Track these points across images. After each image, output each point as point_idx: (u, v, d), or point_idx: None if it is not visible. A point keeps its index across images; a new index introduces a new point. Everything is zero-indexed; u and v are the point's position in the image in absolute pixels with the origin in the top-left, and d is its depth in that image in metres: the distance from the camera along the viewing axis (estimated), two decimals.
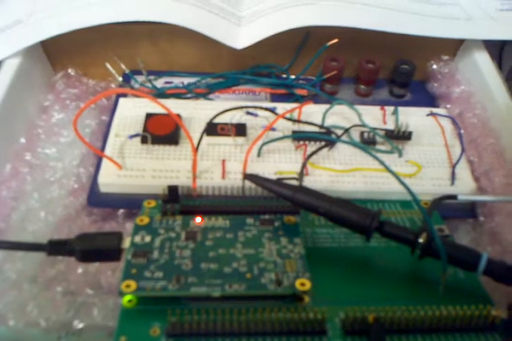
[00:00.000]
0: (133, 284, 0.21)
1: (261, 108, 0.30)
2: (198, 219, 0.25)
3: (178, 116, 0.31)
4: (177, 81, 0.38)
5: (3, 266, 0.25)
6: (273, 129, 0.30)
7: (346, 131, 0.31)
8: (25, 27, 0.35)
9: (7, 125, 0.31)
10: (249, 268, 0.22)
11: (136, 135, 0.30)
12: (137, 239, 0.24)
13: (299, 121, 0.31)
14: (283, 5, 0.35)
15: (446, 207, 0.28)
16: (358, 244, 0.25)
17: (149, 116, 0.31)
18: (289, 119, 0.31)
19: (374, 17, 0.34)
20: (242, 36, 0.35)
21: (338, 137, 0.30)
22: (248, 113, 0.31)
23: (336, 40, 0.34)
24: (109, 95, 0.35)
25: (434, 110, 0.33)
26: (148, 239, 0.24)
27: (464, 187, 0.29)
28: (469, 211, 0.29)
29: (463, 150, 0.30)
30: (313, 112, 0.32)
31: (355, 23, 0.33)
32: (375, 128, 0.31)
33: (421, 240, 0.22)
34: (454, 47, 0.36)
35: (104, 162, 0.29)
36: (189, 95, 0.36)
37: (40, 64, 0.37)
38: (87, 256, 0.24)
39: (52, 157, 0.32)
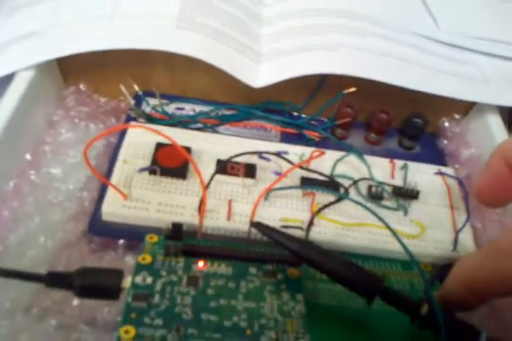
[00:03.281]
0: (132, 330, 0.21)
1: (274, 154, 0.30)
2: (201, 264, 0.25)
3: (188, 149, 0.31)
4: (188, 107, 0.38)
5: None
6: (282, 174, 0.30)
7: (354, 183, 0.31)
8: (42, 40, 0.34)
9: (14, 138, 0.31)
10: (249, 323, 0.22)
11: (146, 169, 0.29)
12: (138, 279, 0.23)
13: (308, 170, 0.31)
14: (303, 47, 0.35)
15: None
16: (359, 304, 0.24)
17: (159, 146, 0.31)
18: (301, 168, 0.31)
19: (390, 70, 0.34)
20: (260, 75, 0.35)
21: (346, 189, 0.30)
22: (261, 157, 0.31)
23: (353, 89, 0.34)
24: (119, 130, 0.34)
25: (443, 169, 0.33)
26: (149, 280, 0.23)
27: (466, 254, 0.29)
28: None
29: (468, 217, 0.30)
30: (324, 158, 0.32)
31: (371, 74, 0.33)
32: (383, 183, 0.31)
33: (423, 312, 0.22)
34: (467, 105, 0.36)
35: (110, 190, 0.29)
36: (199, 125, 0.36)
37: (52, 76, 0.36)
38: (86, 293, 0.23)
39: (57, 178, 0.31)
